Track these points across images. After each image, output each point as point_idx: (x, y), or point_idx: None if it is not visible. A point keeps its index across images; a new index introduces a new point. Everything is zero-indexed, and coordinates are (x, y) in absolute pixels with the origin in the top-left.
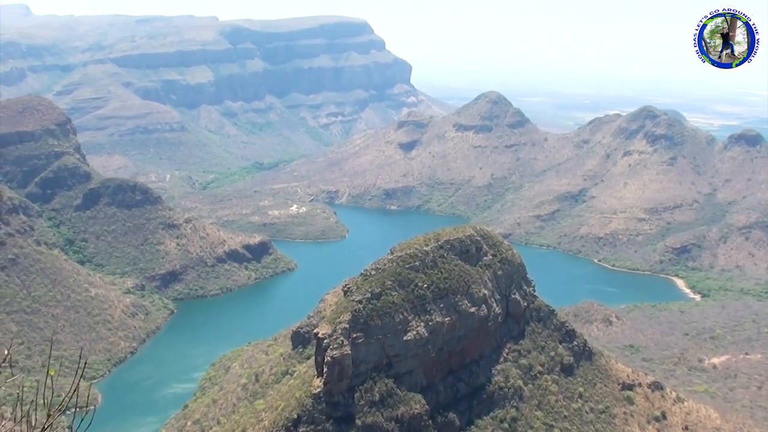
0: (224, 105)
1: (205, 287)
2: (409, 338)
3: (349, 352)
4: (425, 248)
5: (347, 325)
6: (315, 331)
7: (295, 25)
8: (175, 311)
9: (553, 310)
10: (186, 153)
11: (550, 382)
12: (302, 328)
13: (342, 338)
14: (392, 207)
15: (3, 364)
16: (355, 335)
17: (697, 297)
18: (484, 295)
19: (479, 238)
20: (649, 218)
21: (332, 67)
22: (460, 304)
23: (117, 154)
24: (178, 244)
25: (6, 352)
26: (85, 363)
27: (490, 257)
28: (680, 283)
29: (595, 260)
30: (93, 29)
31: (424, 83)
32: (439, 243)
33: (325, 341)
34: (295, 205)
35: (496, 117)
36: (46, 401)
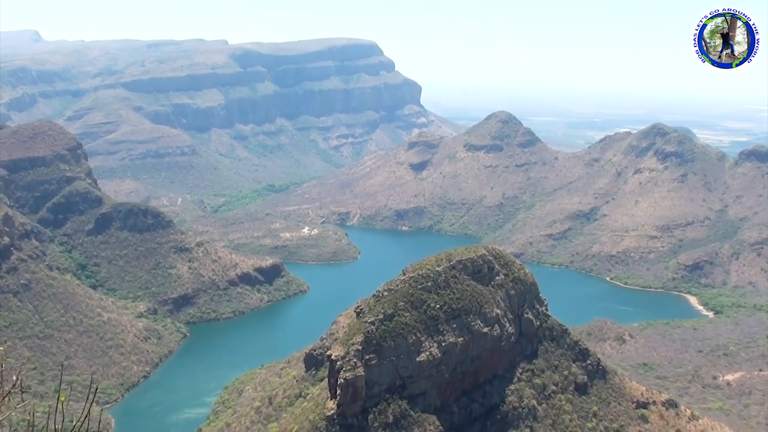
0: (235, 128)
1: (218, 310)
2: (422, 359)
3: (363, 373)
4: (437, 269)
5: (360, 347)
6: (328, 353)
7: (305, 47)
8: (188, 335)
9: (566, 329)
10: (197, 176)
11: (564, 402)
12: (315, 350)
13: (355, 360)
14: (404, 228)
15: (14, 390)
16: (368, 357)
17: (710, 314)
18: (497, 314)
19: (491, 258)
20: (660, 236)
21: (342, 89)
22: (473, 324)
23: (128, 178)
24: (190, 268)
25: (15, 378)
26: (96, 388)
27: (503, 277)
28: (693, 300)
29: (608, 278)
30: (103, 54)
31: (434, 104)
32: (452, 263)
33: (338, 363)
34: (306, 227)
35: (506, 137)
36: (57, 427)
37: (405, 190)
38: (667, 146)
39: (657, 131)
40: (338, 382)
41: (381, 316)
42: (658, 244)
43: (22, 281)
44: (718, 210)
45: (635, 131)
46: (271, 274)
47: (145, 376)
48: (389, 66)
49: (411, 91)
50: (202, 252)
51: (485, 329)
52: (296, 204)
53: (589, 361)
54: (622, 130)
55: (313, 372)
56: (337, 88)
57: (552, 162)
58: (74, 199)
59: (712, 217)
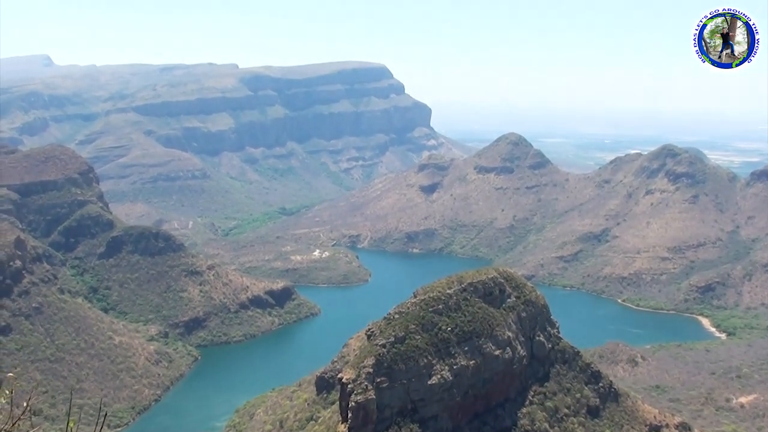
0: (245, 151)
1: (229, 333)
2: (433, 382)
3: (374, 396)
4: (448, 291)
5: (371, 370)
6: (339, 376)
7: (315, 71)
8: (199, 358)
9: (578, 352)
10: (208, 200)
11: (576, 425)
12: (326, 374)
13: (366, 383)
14: (414, 250)
15: (24, 416)
16: (379, 380)
17: (723, 336)
18: (509, 337)
19: (502, 281)
20: (672, 257)
21: (352, 112)
22: (484, 347)
23: (139, 201)
24: (201, 291)
25: (25, 403)
26: (106, 413)
27: (514, 299)
28: (705, 322)
29: (619, 300)
30: (114, 79)
31: (444, 126)
32: (463, 286)
33: (349, 386)
34: (317, 250)
35: (516, 158)
36: None
37: (415, 213)
38: (678, 167)
39: (668, 152)
40: (349, 405)
41: (392, 339)
42: (669, 266)
43: (33, 304)
44: (729, 231)
45: (646, 152)
46: (282, 297)
47: (156, 400)
48: (399, 89)
49: (421, 113)
50: (213, 275)
51: (497, 352)
52: (307, 227)
53: (601, 384)
54: (632, 151)
55: (325, 395)
56: (347, 111)
57: (562, 183)
58: (86, 222)
59: (724, 238)
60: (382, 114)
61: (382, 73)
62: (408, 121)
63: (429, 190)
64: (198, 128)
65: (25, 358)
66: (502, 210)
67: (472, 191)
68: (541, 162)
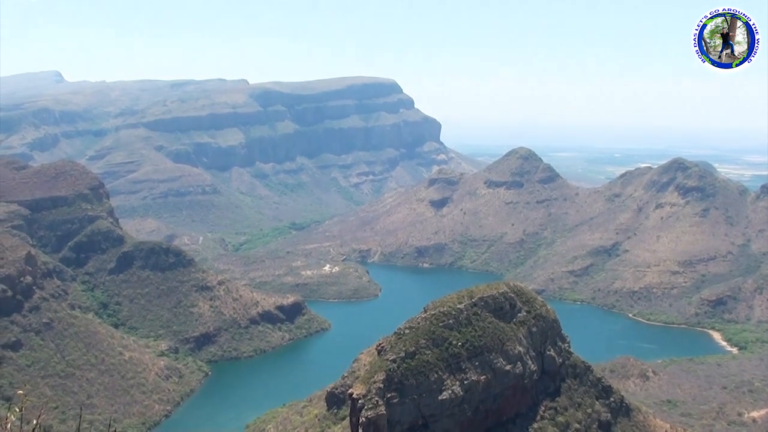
0: (256, 167)
1: (239, 349)
2: (444, 397)
3: (384, 412)
4: (459, 306)
5: (382, 385)
6: (349, 391)
7: (325, 86)
8: (210, 373)
9: (589, 366)
10: (218, 215)
11: None
12: (337, 389)
13: (377, 398)
14: (425, 265)
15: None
16: (389, 395)
17: (734, 350)
18: (519, 352)
19: (513, 295)
20: (683, 271)
21: (362, 127)
22: (495, 361)
23: (150, 217)
24: (211, 306)
25: (35, 420)
26: (116, 429)
27: (525, 314)
28: (717, 336)
29: (630, 314)
30: (125, 94)
31: (453, 141)
32: (473, 300)
33: (359, 401)
34: (327, 265)
35: (526, 173)
36: None
37: (426, 227)
38: (688, 181)
39: (678, 166)
40: (360, 421)
41: (402, 354)
42: (680, 280)
43: (44, 320)
44: (740, 244)
45: (656, 166)
46: (292, 312)
47: (166, 415)
48: (409, 104)
49: (431, 128)
50: (223, 290)
51: (507, 367)
52: (317, 242)
53: (612, 399)
54: (642, 165)
55: (335, 411)
56: (357, 126)
57: (573, 198)
58: (96, 238)
59: (735, 252)
60: (392, 129)
61: (392, 88)
62: (418, 135)
63: (439, 204)
64: (208, 144)
65: (35, 374)
66: (513, 224)
67: (482, 206)
68: (551, 176)
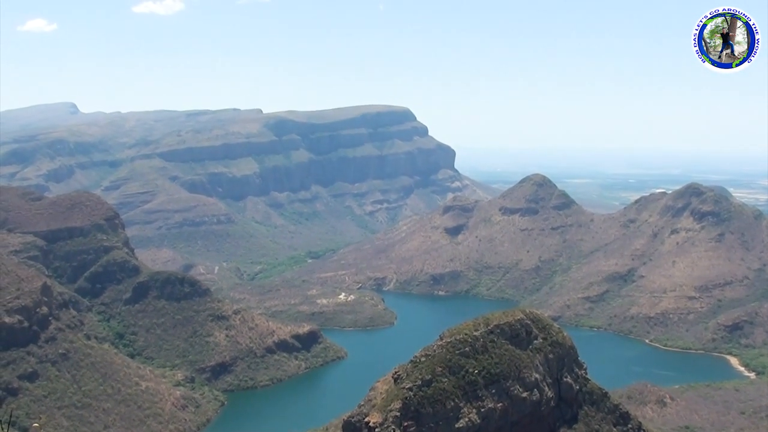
0: (270, 196)
1: (255, 378)
2: (461, 425)
3: None
4: (475, 333)
5: (398, 414)
6: (366, 419)
7: (339, 115)
8: (226, 403)
9: (606, 393)
10: (233, 245)
11: None
12: (353, 417)
13: (393, 427)
14: (440, 292)
15: None
16: (406, 423)
17: (752, 375)
18: (536, 379)
19: (529, 322)
20: (699, 296)
21: (376, 156)
22: (511, 389)
23: (165, 247)
24: (227, 336)
25: None
26: None
27: (541, 341)
28: (734, 361)
29: (647, 340)
30: (139, 125)
31: (468, 168)
32: (489, 327)
33: (376, 430)
34: (343, 293)
35: (541, 199)
36: None
37: (441, 255)
38: (703, 206)
39: (693, 191)
40: None
41: (419, 382)
42: (696, 305)
43: (60, 351)
44: (756, 269)
45: (670, 191)
46: (308, 340)
47: None
48: (423, 131)
49: (445, 155)
50: (239, 320)
51: (524, 394)
52: (332, 270)
53: (630, 425)
54: (657, 191)
55: None
56: (371, 155)
57: (588, 224)
58: (112, 268)
59: (751, 277)
60: (406, 156)
61: (406, 116)
62: (432, 163)
63: (454, 232)
64: (223, 173)
65: (51, 405)
66: (528, 251)
67: (497, 233)
68: (565, 203)
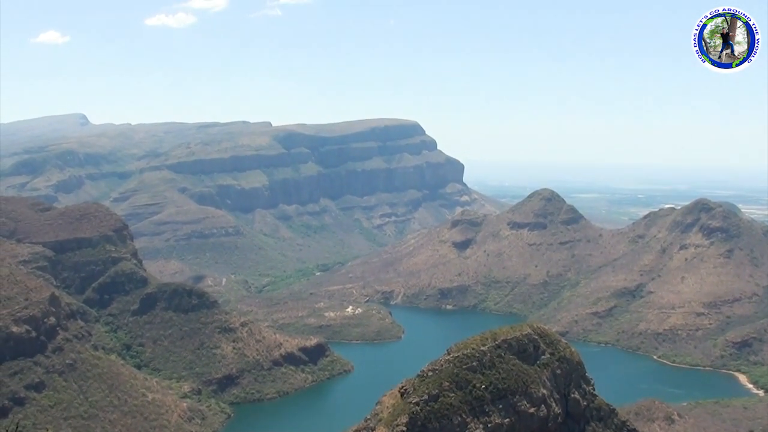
0: (279, 209)
1: (262, 391)
2: None
3: None
4: (482, 348)
5: (405, 428)
6: None
7: (348, 128)
8: (232, 415)
9: (614, 409)
10: (241, 257)
11: None
12: (360, 431)
13: None
14: (448, 306)
15: None
16: None
17: (761, 392)
18: (543, 395)
19: (537, 337)
20: (708, 312)
21: (385, 169)
22: (519, 404)
23: (173, 259)
24: (234, 348)
25: None
26: None
27: (548, 356)
28: (743, 378)
29: (655, 357)
30: (149, 137)
31: (476, 182)
32: (497, 342)
33: None
34: (350, 307)
35: (550, 214)
36: None
37: (449, 269)
38: (712, 222)
39: (701, 207)
40: None
41: (426, 397)
42: (705, 321)
43: (67, 361)
44: (765, 286)
45: (679, 207)
46: (315, 353)
47: None
48: (431, 145)
49: (453, 169)
50: (246, 332)
51: (531, 410)
52: (340, 283)
53: None
54: (666, 206)
55: None
56: (379, 168)
57: (596, 239)
58: (120, 279)
59: (760, 293)
60: (415, 170)
61: (415, 129)
62: (440, 177)
63: (462, 246)
64: (232, 186)
65: (58, 415)
66: (536, 266)
67: (505, 247)
68: (574, 218)
